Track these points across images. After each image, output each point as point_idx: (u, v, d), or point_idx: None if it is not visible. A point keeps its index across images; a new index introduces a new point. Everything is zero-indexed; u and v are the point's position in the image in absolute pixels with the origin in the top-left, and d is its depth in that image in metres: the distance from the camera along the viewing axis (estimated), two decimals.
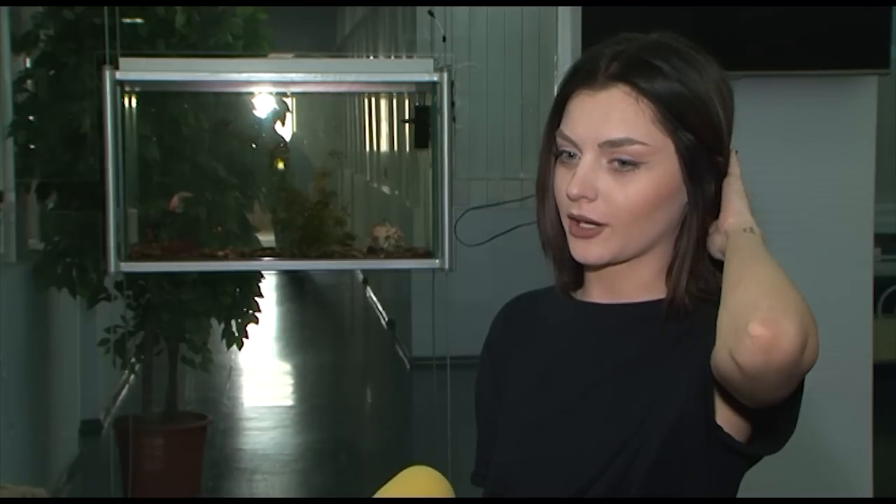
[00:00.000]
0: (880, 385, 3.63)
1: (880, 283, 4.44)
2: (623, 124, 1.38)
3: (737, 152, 1.44)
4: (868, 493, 3.57)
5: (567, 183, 1.41)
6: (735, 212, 1.39)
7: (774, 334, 1.19)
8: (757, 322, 1.19)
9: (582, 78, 1.42)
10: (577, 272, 1.51)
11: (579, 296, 1.51)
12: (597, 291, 1.48)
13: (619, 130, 1.38)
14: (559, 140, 1.43)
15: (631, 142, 1.38)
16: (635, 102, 1.38)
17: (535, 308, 1.56)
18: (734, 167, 1.43)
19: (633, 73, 1.39)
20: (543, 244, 1.51)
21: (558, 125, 1.44)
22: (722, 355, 1.23)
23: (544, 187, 1.48)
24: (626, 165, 1.39)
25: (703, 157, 1.40)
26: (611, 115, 1.39)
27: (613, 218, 1.40)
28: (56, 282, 5.00)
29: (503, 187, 7.55)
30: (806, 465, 3.50)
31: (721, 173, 1.42)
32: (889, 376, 4.99)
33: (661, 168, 1.39)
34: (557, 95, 1.46)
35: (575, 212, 1.41)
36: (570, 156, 1.42)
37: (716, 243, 1.41)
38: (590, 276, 1.49)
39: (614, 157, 1.39)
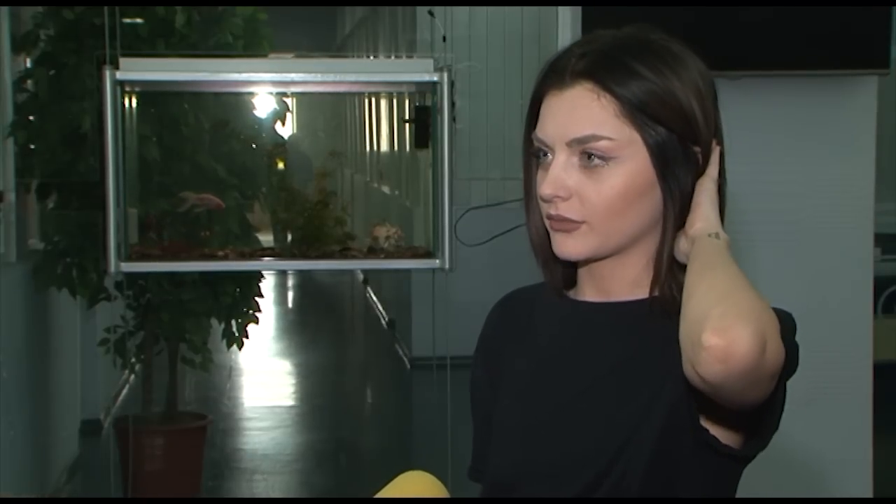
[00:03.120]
0: (880, 385, 3.63)
1: (880, 283, 4.43)
2: (588, 121, 1.38)
3: (720, 149, 1.42)
4: (868, 493, 3.57)
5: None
6: (702, 217, 1.38)
7: (728, 342, 1.17)
8: (709, 332, 1.18)
9: (551, 78, 1.43)
10: (568, 272, 1.50)
11: (573, 294, 1.51)
12: (589, 290, 1.48)
13: (584, 127, 1.38)
14: (535, 142, 1.44)
15: (596, 138, 1.38)
16: (597, 98, 1.38)
17: (530, 304, 1.55)
18: (711, 168, 1.41)
19: (596, 69, 1.39)
20: (533, 247, 1.50)
21: (535, 127, 1.44)
22: (686, 369, 1.23)
23: (528, 191, 1.48)
24: (596, 161, 1.38)
25: (676, 149, 1.39)
26: (575, 113, 1.39)
27: (589, 215, 1.39)
28: (56, 282, 5.00)
29: (503, 187, 7.54)
30: (806, 465, 3.50)
31: (697, 164, 1.41)
32: (889, 376, 4.99)
33: (632, 162, 1.38)
34: (531, 98, 1.46)
35: (552, 212, 1.41)
36: (545, 156, 1.42)
37: (681, 248, 1.40)
38: (582, 275, 1.49)
39: (584, 154, 1.39)
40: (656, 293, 1.42)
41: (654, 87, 1.38)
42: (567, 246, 1.41)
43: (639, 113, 1.38)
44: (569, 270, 1.50)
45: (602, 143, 1.38)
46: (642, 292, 1.44)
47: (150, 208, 4.66)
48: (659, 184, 1.39)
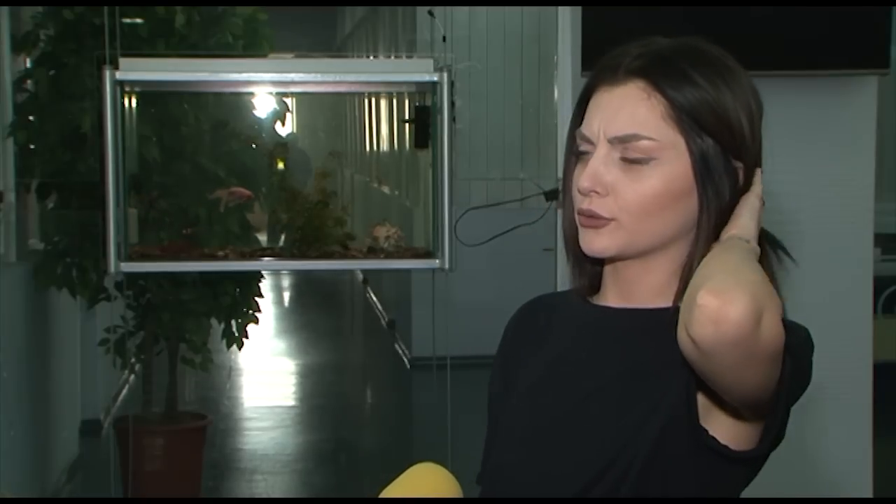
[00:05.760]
0: (880, 385, 3.63)
1: (880, 283, 4.43)
2: (633, 119, 1.37)
3: (761, 170, 1.42)
4: (868, 493, 3.57)
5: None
6: (739, 226, 1.38)
7: (722, 302, 1.17)
8: (704, 291, 1.19)
9: (604, 74, 1.42)
10: (594, 275, 1.50)
11: (595, 299, 1.50)
12: (612, 295, 1.47)
13: (628, 126, 1.38)
14: (578, 140, 1.43)
15: (639, 137, 1.37)
16: (647, 98, 1.37)
17: (550, 310, 1.55)
18: (756, 185, 1.41)
19: (651, 69, 1.38)
20: (566, 244, 1.50)
21: (580, 124, 1.43)
22: (680, 334, 1.23)
23: (566, 187, 1.47)
24: (636, 160, 1.38)
25: (719, 160, 1.38)
26: (622, 110, 1.38)
27: (622, 213, 1.38)
28: (56, 282, 5.00)
29: (503, 187, 7.55)
30: (806, 466, 3.50)
31: (738, 180, 1.40)
32: (889, 376, 4.99)
33: (672, 165, 1.38)
34: (581, 93, 1.45)
35: (584, 206, 1.40)
36: (586, 153, 1.42)
37: None
38: (607, 280, 1.48)
39: (624, 152, 1.38)
40: (680, 303, 1.39)
41: (707, 96, 1.37)
42: (594, 242, 1.41)
43: (687, 118, 1.37)
44: (597, 273, 1.49)
45: (643, 143, 1.37)
46: (666, 300, 1.42)
47: (150, 208, 4.66)
48: (697, 192, 1.39)
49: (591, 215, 1.39)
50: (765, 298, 1.20)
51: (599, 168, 1.39)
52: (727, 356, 1.20)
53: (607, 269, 1.47)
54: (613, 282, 1.46)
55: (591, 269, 1.49)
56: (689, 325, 1.20)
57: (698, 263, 1.39)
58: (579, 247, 1.44)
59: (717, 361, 1.22)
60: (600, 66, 1.43)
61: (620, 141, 1.38)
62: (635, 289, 1.44)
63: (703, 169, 1.38)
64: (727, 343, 1.19)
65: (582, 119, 1.44)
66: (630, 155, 1.38)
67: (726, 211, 1.40)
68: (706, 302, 1.18)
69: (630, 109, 1.38)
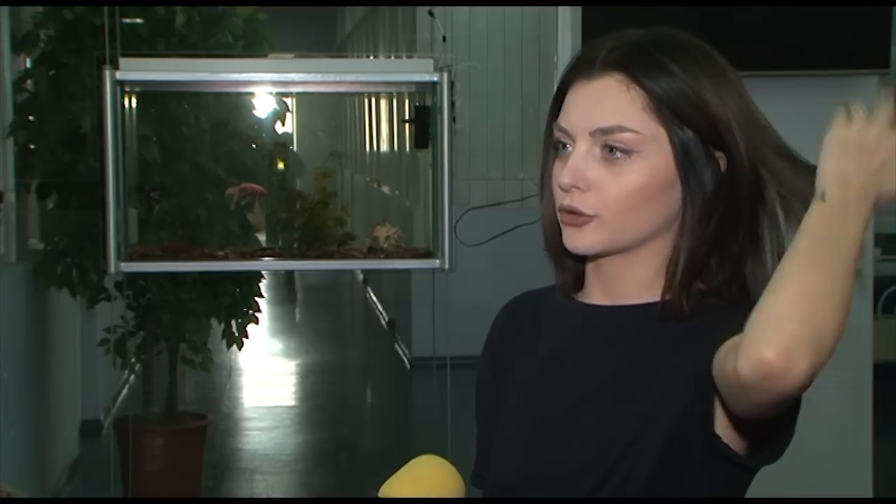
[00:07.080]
0: (880, 385, 3.63)
1: (880, 283, 4.44)
2: (614, 112, 1.36)
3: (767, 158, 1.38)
4: (868, 493, 3.57)
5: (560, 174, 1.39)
6: (826, 174, 1.28)
7: (785, 367, 1.14)
8: (773, 347, 1.14)
9: (580, 68, 1.40)
10: (577, 272, 1.48)
11: (580, 297, 1.48)
12: (597, 292, 1.45)
13: (610, 118, 1.36)
14: (556, 132, 1.41)
15: (622, 129, 1.36)
16: (626, 90, 1.36)
17: (537, 307, 1.53)
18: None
19: (628, 61, 1.37)
20: (546, 241, 1.48)
21: (557, 117, 1.42)
22: (725, 356, 1.21)
23: (544, 182, 1.45)
24: (618, 154, 1.36)
25: (700, 151, 1.37)
26: (602, 103, 1.37)
27: (604, 209, 1.37)
28: (56, 282, 5.00)
29: (503, 187, 7.55)
30: (806, 465, 3.50)
31: (720, 170, 1.38)
32: (889, 376, 4.99)
33: (654, 158, 1.36)
34: (557, 87, 1.44)
35: (566, 202, 1.38)
36: (565, 147, 1.40)
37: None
38: (590, 277, 1.46)
39: (606, 146, 1.37)
40: (668, 297, 1.39)
41: (684, 86, 1.36)
42: (577, 239, 1.39)
43: (666, 110, 1.36)
44: (580, 269, 1.48)
45: (626, 136, 1.36)
46: (651, 296, 1.41)
47: (149, 208, 4.67)
48: (680, 184, 1.37)
49: (573, 211, 1.38)
50: (826, 355, 1.16)
51: (580, 163, 1.37)
52: (761, 396, 1.19)
53: (590, 265, 1.45)
54: (597, 279, 1.45)
55: (574, 266, 1.47)
56: (741, 362, 1.17)
57: (685, 257, 1.38)
58: (560, 244, 1.42)
59: (749, 395, 1.20)
60: (576, 60, 1.42)
61: (603, 133, 1.36)
62: (620, 285, 1.43)
63: (685, 161, 1.37)
64: (770, 392, 1.17)
65: (558, 112, 1.42)
66: (613, 143, 1.36)
67: (709, 202, 1.38)
68: (769, 359, 1.14)
69: (611, 101, 1.37)
